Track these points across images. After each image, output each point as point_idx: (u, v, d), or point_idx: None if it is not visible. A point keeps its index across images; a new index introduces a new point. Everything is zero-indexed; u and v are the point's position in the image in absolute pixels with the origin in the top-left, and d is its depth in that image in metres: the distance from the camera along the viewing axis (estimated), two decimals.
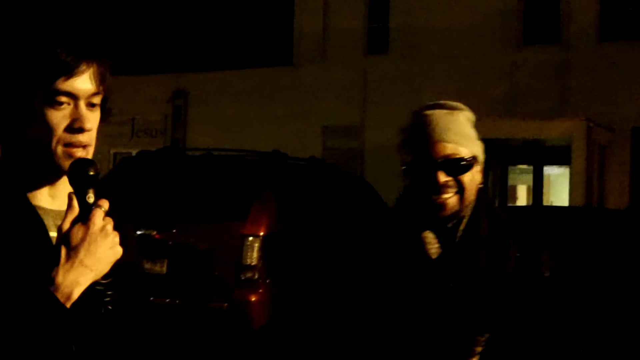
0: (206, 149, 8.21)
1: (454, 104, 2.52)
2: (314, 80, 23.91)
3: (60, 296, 1.68)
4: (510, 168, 22.45)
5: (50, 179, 1.88)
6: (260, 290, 6.70)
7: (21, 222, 1.80)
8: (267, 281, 6.72)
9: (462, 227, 2.46)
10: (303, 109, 23.79)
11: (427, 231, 2.45)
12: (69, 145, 1.81)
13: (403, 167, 2.49)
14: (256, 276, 6.67)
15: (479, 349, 2.42)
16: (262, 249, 6.69)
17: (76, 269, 1.70)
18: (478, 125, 2.71)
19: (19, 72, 1.80)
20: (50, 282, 1.69)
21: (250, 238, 6.69)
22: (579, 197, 18.41)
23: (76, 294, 1.70)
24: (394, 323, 2.43)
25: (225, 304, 6.67)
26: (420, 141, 2.44)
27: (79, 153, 1.82)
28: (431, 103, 2.52)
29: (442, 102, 2.53)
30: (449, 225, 2.45)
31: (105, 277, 1.75)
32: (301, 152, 11.61)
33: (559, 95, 20.83)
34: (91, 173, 1.77)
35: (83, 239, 1.72)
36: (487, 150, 2.56)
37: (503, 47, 21.74)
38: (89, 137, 1.84)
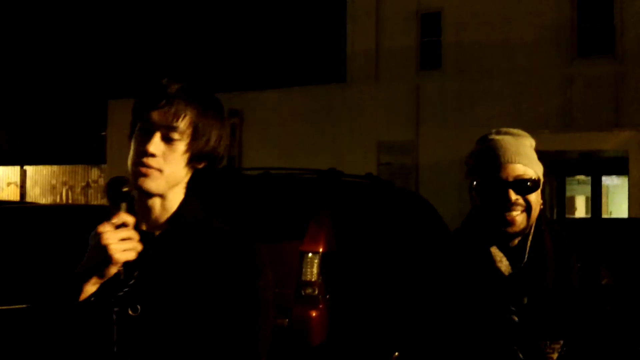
0: (263, 168, 8.32)
1: (518, 131, 2.76)
2: (367, 97, 23.98)
3: None
4: (568, 179, 22.29)
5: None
6: (320, 306, 6.79)
7: None
8: (327, 297, 6.81)
9: (529, 245, 2.66)
10: (357, 126, 23.87)
11: (495, 248, 2.66)
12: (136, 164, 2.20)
13: (474, 187, 2.71)
14: (316, 292, 6.77)
15: (555, 355, 2.61)
16: (321, 265, 6.79)
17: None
18: (534, 138, 2.91)
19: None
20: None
21: (310, 254, 6.80)
22: (637, 207, 18.25)
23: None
24: (470, 337, 2.61)
25: (286, 320, 6.77)
26: (490, 163, 2.66)
27: (143, 171, 2.18)
28: (495, 130, 2.76)
29: (506, 129, 2.77)
30: (515, 242, 2.67)
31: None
32: (356, 168, 11.70)
33: (613, 107, 20.63)
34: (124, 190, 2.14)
35: None
36: (544, 163, 2.73)
37: (556, 60, 21.60)
38: (155, 162, 2.17)
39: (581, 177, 22.44)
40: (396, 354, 7.38)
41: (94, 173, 29.32)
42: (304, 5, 33.40)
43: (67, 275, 2.03)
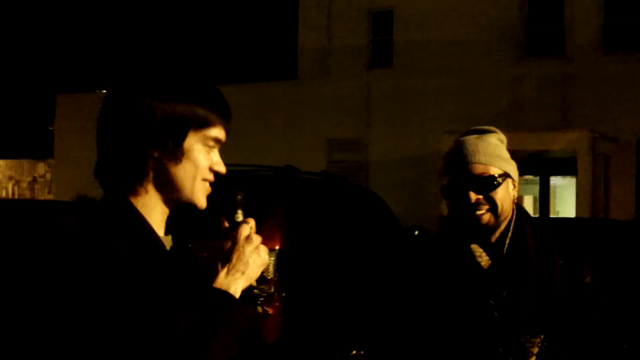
0: None
1: (485, 127, 2.78)
2: (318, 94, 24.01)
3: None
4: None
5: (168, 212, 2.11)
6: (276, 304, 6.76)
7: (151, 249, 2.00)
8: (282, 295, 6.78)
9: (507, 241, 2.66)
10: (307, 123, 23.89)
11: (475, 244, 2.66)
12: (206, 180, 2.12)
13: (441, 189, 2.71)
14: (272, 289, 6.73)
15: (535, 349, 2.61)
16: (277, 262, 6.74)
17: (231, 273, 2.04)
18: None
19: (176, 119, 2.00)
20: (211, 289, 1.98)
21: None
22: (585, 207, 18.47)
23: (237, 293, 2.03)
24: (448, 329, 2.62)
25: None
26: (455, 165, 2.66)
27: (209, 189, 2.15)
28: (467, 130, 2.78)
29: (474, 127, 2.79)
30: (494, 238, 2.67)
31: (259, 282, 2.19)
32: (305, 165, 11.67)
33: (562, 107, 20.91)
34: (239, 198, 2.19)
35: (232, 249, 2.06)
36: None
37: (506, 60, 21.82)
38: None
39: (529, 177, 22.68)
40: (353, 352, 7.38)
41: (41, 168, 28.95)
42: (257, 2, 33.34)
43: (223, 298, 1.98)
